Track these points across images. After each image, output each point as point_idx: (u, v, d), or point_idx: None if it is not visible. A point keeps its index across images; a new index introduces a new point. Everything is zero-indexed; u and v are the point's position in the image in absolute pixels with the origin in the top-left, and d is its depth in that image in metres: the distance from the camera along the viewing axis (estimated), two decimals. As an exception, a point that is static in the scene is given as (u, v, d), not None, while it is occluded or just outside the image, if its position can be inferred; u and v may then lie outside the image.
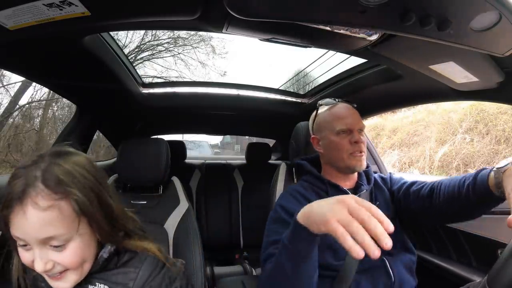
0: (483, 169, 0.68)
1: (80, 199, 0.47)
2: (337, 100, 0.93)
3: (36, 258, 0.46)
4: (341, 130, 0.87)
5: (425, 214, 0.80)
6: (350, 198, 0.47)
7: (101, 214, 0.50)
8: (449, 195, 0.74)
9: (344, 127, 0.86)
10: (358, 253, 0.41)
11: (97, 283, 0.53)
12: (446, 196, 0.74)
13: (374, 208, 0.44)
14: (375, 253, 0.40)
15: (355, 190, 0.88)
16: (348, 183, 0.89)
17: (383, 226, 0.42)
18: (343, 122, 0.87)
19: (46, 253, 0.46)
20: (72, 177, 0.47)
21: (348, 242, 0.42)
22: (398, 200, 0.86)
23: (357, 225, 0.43)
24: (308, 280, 0.62)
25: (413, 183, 0.86)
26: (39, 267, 0.46)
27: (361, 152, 0.85)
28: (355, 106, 0.93)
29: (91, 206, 0.48)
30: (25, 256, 0.47)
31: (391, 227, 0.42)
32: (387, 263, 0.77)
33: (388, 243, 0.40)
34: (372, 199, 0.87)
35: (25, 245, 0.47)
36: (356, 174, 0.91)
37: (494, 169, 0.62)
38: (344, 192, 0.85)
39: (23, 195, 0.44)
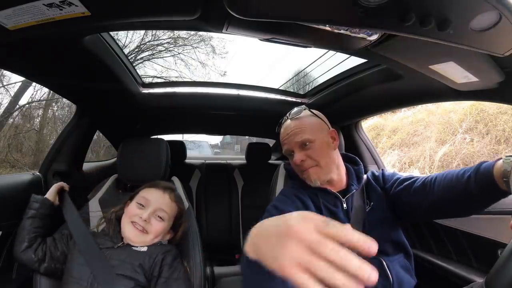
0: (486, 161, 0.66)
1: (181, 209, 0.97)
2: (287, 116, 0.92)
3: (146, 213, 0.87)
4: (287, 154, 0.90)
5: (419, 208, 0.78)
6: (308, 225, 0.33)
7: (181, 228, 0.95)
8: (446, 186, 0.72)
9: (286, 149, 0.89)
10: None
11: (138, 246, 0.85)
12: (442, 187, 0.73)
13: (343, 230, 0.32)
14: None
15: (345, 192, 0.88)
16: (335, 185, 0.88)
17: (361, 250, 0.31)
18: (285, 145, 0.89)
19: (153, 218, 0.88)
20: (180, 200, 0.99)
21: None
22: (392, 197, 0.85)
23: (322, 266, 0.31)
24: None
25: (406, 178, 0.85)
26: (145, 215, 0.86)
27: (306, 169, 0.85)
28: (304, 109, 0.90)
29: (181, 216, 0.96)
30: (137, 211, 0.88)
31: (373, 248, 0.31)
32: (384, 263, 0.76)
33: (371, 276, 0.29)
34: (365, 199, 0.87)
35: (142, 206, 0.89)
36: (344, 174, 0.90)
37: (504, 157, 0.60)
38: (333, 195, 0.86)
39: (166, 189, 0.95)
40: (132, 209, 0.89)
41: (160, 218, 0.88)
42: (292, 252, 0.32)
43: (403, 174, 0.90)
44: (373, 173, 0.95)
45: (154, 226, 0.87)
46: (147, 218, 0.85)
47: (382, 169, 0.96)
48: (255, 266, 0.37)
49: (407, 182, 0.83)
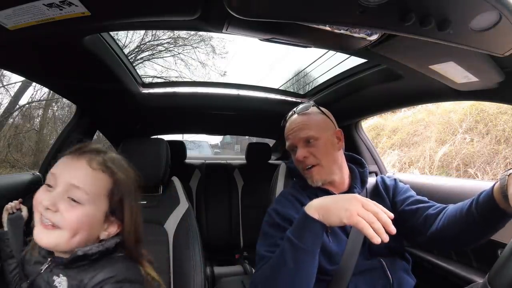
0: (485, 190, 0.65)
1: (116, 178, 0.57)
2: (294, 110, 0.89)
3: (52, 196, 0.51)
4: (289, 149, 0.88)
5: (424, 235, 0.75)
6: (359, 196, 0.60)
7: (126, 209, 0.57)
8: (451, 216, 0.70)
9: (290, 144, 0.86)
10: (377, 239, 0.52)
11: (60, 275, 0.53)
12: (448, 217, 0.71)
13: (377, 204, 0.58)
14: (387, 237, 0.53)
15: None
16: (337, 187, 0.86)
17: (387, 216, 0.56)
18: (288, 140, 0.87)
19: (63, 202, 0.51)
20: (113, 163, 0.58)
21: (370, 231, 0.53)
22: (399, 213, 0.81)
23: (373, 217, 0.55)
24: (308, 278, 0.63)
25: (420, 200, 0.82)
26: (47, 201, 0.51)
27: (308, 167, 0.83)
28: (312, 105, 0.88)
29: (118, 190, 0.57)
30: (42, 195, 0.53)
31: (392, 215, 0.56)
32: (384, 264, 0.76)
33: (393, 229, 0.54)
34: None
35: (50, 186, 0.53)
36: (347, 176, 0.88)
37: (500, 176, 0.60)
38: None
39: (84, 153, 0.56)
40: (40, 194, 0.54)
41: (74, 200, 0.52)
42: (355, 205, 0.57)
43: (415, 194, 0.86)
44: (383, 180, 0.91)
45: (65, 216, 0.51)
46: (50, 204, 0.50)
47: (395, 179, 0.91)
48: (316, 223, 0.61)
49: (421, 205, 0.79)
